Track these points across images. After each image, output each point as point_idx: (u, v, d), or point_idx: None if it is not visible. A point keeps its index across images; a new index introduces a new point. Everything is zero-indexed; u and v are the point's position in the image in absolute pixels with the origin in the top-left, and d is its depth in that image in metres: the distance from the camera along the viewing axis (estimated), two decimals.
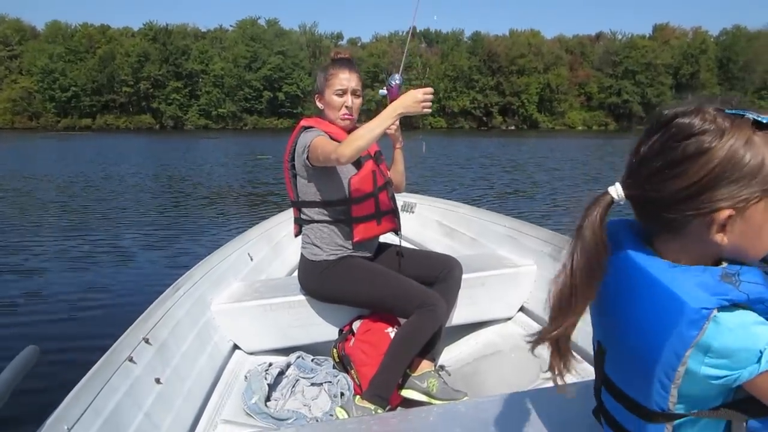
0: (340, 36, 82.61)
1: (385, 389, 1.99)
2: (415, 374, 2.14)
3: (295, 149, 2.18)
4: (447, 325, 2.37)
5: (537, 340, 0.94)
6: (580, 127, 71.21)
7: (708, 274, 0.79)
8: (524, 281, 2.69)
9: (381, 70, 70.47)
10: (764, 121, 0.76)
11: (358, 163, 2.18)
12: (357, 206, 2.18)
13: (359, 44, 79.82)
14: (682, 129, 0.78)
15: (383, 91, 2.26)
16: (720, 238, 0.79)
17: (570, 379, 2.11)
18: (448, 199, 4.17)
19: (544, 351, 2.41)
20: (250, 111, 67.20)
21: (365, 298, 2.20)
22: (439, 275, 2.29)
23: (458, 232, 3.51)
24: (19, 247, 6.81)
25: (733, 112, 0.77)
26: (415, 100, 1.92)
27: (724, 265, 0.82)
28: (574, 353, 2.30)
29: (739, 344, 0.75)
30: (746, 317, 0.76)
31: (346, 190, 2.15)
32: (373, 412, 1.91)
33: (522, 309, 2.73)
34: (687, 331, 0.76)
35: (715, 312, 0.75)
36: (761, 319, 0.76)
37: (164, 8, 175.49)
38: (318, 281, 2.25)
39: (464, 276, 2.39)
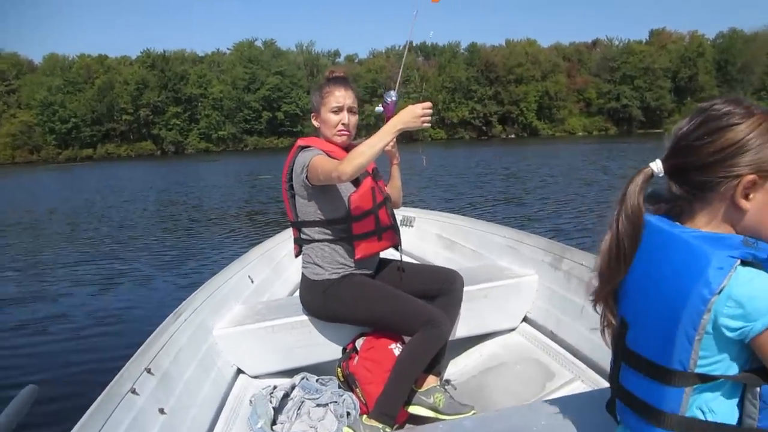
0: (337, 53, 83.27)
1: (392, 407, 1.97)
2: (420, 390, 2.11)
3: (293, 169, 2.15)
4: (451, 338, 2.31)
5: (594, 300, 1.09)
6: (580, 133, 71.37)
7: (731, 237, 0.94)
8: (526, 291, 2.65)
9: (379, 86, 70.98)
10: None
11: (356, 181, 2.15)
12: (357, 224, 2.15)
13: (356, 60, 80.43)
14: (720, 108, 0.96)
15: (380, 108, 2.23)
16: (743, 203, 0.94)
17: (580, 388, 2.01)
18: (447, 210, 4.13)
19: (550, 360, 2.33)
20: (250, 132, 67.60)
21: (369, 317, 2.16)
22: (441, 288, 2.26)
23: (458, 244, 3.50)
24: (17, 279, 6.73)
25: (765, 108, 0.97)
26: (415, 115, 1.91)
27: None
28: (584, 363, 2.19)
29: (756, 295, 0.87)
30: (763, 275, 0.89)
31: (346, 208, 2.12)
32: (381, 431, 1.91)
33: (525, 319, 2.69)
34: (714, 277, 0.88)
35: (738, 262, 0.88)
36: None
37: (162, 35, 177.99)
38: (321, 301, 2.20)
39: (466, 288, 2.35)
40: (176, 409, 1.74)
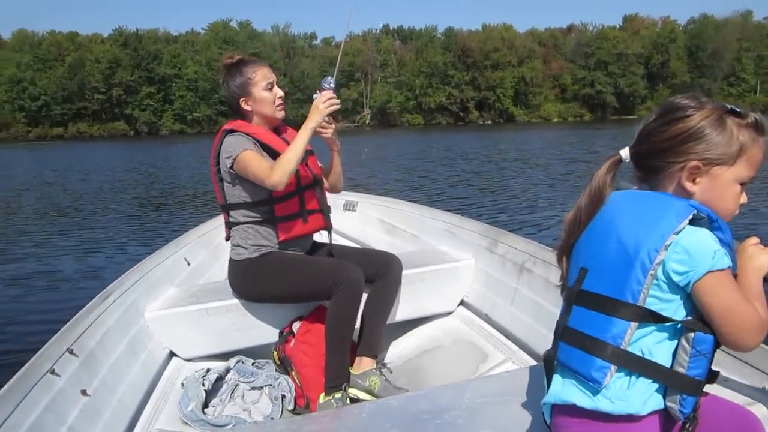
0: (313, 36, 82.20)
1: (338, 377, 2.06)
2: (356, 373, 2.17)
3: (219, 154, 2.18)
4: (389, 322, 2.38)
5: (559, 253, 1.23)
6: (555, 119, 71.92)
7: (690, 200, 1.06)
8: (463, 275, 2.71)
9: (356, 69, 70.39)
10: (738, 110, 1.06)
11: None
12: (279, 205, 2.20)
13: (333, 43, 79.49)
14: (677, 103, 1.09)
15: (317, 94, 2.24)
16: (689, 186, 1.07)
17: (510, 368, 2.16)
18: (393, 194, 4.18)
19: (484, 343, 2.46)
20: (226, 114, 66.20)
21: (286, 290, 2.20)
22: (378, 272, 2.30)
23: (399, 229, 3.53)
24: None
25: (719, 103, 1.08)
26: (318, 108, 2.09)
27: None
28: (516, 345, 2.34)
29: (698, 243, 1.00)
30: (707, 231, 1.02)
31: (268, 190, 2.15)
32: (335, 405, 1.98)
33: (462, 303, 2.75)
34: (674, 219, 1.01)
35: (694, 212, 1.01)
36: (717, 238, 1.02)
37: (134, 13, 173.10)
38: (241, 280, 2.26)
39: (404, 272, 2.39)
40: (101, 390, 1.71)
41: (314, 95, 2.20)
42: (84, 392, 1.63)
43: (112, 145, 40.97)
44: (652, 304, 1.04)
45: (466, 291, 2.73)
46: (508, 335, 2.41)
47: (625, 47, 72.67)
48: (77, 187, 14.09)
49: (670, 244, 1.01)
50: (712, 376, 1.07)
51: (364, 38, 74.75)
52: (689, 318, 1.04)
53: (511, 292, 2.44)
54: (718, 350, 1.04)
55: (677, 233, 1.01)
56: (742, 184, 1.08)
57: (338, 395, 2.03)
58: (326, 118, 2.14)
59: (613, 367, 1.05)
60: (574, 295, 1.15)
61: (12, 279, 5.64)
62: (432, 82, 71.11)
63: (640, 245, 1.03)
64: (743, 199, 1.10)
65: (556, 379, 1.17)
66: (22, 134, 63.24)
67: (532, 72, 72.04)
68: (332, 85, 2.19)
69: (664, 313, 1.03)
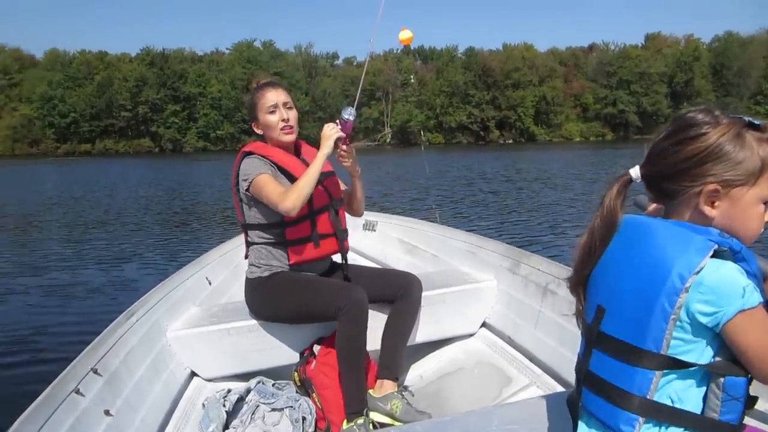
0: (335, 55, 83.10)
1: (356, 402, 2.04)
2: (377, 396, 2.15)
3: (238, 175, 2.21)
4: (410, 343, 2.36)
5: (572, 285, 1.16)
6: (577, 139, 71.42)
7: (708, 228, 0.98)
8: (485, 296, 2.68)
9: (377, 88, 70.91)
10: (756, 123, 0.97)
11: None
12: (290, 229, 2.21)
13: (355, 63, 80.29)
14: (689, 119, 1.00)
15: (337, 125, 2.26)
16: (708, 210, 0.98)
17: (536, 393, 2.12)
18: (410, 216, 4.18)
19: (507, 366, 2.42)
20: (248, 132, 67.09)
21: (294, 311, 2.20)
22: (398, 293, 2.28)
23: (419, 249, 3.51)
24: None
25: (735, 116, 0.99)
26: (327, 135, 2.13)
27: None
28: (540, 368, 2.30)
29: (725, 281, 0.92)
30: (732, 265, 0.94)
31: (280, 216, 2.16)
32: (356, 429, 1.96)
33: (484, 324, 2.72)
34: (693, 257, 0.92)
35: (715, 247, 0.93)
36: (743, 269, 0.94)
37: (161, 33, 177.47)
38: (253, 298, 2.27)
39: (425, 293, 2.37)
40: (123, 410, 1.71)
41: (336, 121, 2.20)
42: (107, 412, 1.64)
43: (138, 162, 41.69)
44: (676, 347, 0.96)
45: (488, 312, 2.69)
46: (532, 358, 2.37)
47: (647, 66, 72.13)
48: (103, 202, 14.35)
49: (690, 285, 0.93)
50: (751, 402, 1.00)
51: (385, 58, 75.35)
52: (718, 359, 0.96)
53: (535, 314, 2.40)
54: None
55: (698, 272, 0.92)
56: (766, 203, 1.00)
57: (360, 421, 2.01)
58: (345, 147, 2.16)
59: (641, 419, 0.99)
60: (594, 335, 1.09)
61: (38, 292, 5.71)
62: (453, 101, 71.23)
63: (659, 288, 0.95)
64: None
65: (582, 426, 1.13)
66: (51, 150, 64.89)
67: (553, 91, 71.81)
68: (351, 118, 2.18)
69: (690, 358, 0.96)
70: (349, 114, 2.17)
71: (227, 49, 76.68)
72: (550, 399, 1.56)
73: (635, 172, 1.08)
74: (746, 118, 0.98)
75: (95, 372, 1.70)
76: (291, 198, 2.04)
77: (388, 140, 70.16)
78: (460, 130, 71.77)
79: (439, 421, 1.54)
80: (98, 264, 7.00)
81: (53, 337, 4.28)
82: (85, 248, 8.14)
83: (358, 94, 2.53)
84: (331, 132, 2.13)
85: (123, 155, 60.49)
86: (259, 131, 2.30)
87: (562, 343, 2.20)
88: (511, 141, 70.68)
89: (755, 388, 1.00)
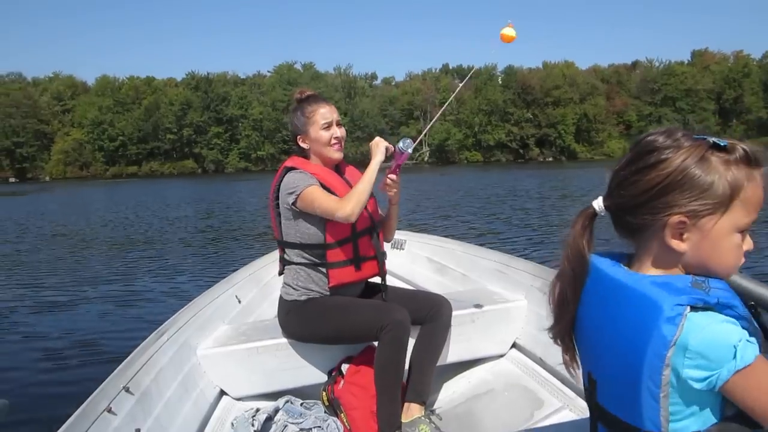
0: (374, 76, 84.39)
1: (391, 425, 2.01)
2: (405, 420, 2.09)
3: (279, 189, 2.17)
4: (439, 364, 2.29)
5: (554, 335, 1.05)
6: (620, 156, 70.05)
7: (679, 279, 0.86)
8: (516, 316, 2.61)
9: (415, 107, 71.38)
10: (722, 144, 0.85)
11: None
12: (332, 251, 2.16)
13: (393, 83, 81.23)
14: (648, 143, 0.89)
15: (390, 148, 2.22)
16: (677, 244, 0.87)
17: (568, 416, 1.99)
18: (442, 235, 4.13)
19: (538, 388, 2.30)
20: (288, 152, 67.85)
21: (332, 334, 2.17)
22: (428, 315, 2.23)
23: (448, 268, 3.46)
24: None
25: (699, 136, 0.87)
26: (376, 142, 2.16)
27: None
28: (573, 391, 2.16)
29: (714, 341, 0.79)
30: (716, 317, 0.81)
31: (322, 234, 2.13)
32: None
33: (514, 345, 2.64)
34: (666, 330, 0.81)
35: (688, 309, 0.81)
36: (730, 318, 0.82)
37: (206, 58, 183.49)
38: (288, 320, 2.23)
39: (454, 313, 2.32)
40: (154, 429, 1.71)
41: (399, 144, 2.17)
42: (138, 431, 1.65)
43: (181, 183, 43.02)
44: (677, 422, 0.85)
45: (518, 333, 2.62)
46: (564, 380, 2.27)
47: (694, 83, 70.52)
48: (148, 222, 14.81)
49: (672, 356, 0.82)
50: None
51: (423, 77, 76.04)
52: (726, 422, 0.86)
53: None
54: None
55: (676, 342, 0.81)
56: (742, 231, 0.88)
57: None
58: (393, 176, 2.16)
59: None
60: (593, 407, 1.01)
61: (71, 310, 5.84)
62: (491, 119, 71.12)
63: (639, 367, 0.85)
64: (747, 245, 0.90)
65: None
66: (101, 173, 67.73)
67: (595, 109, 70.82)
68: (408, 150, 2.13)
69: (694, 428, 0.85)
70: (406, 146, 2.11)
71: (268, 71, 78.97)
72: (582, 423, 1.47)
73: (598, 204, 0.96)
74: (710, 139, 0.86)
75: (127, 390, 1.70)
76: (351, 203, 2.00)
77: (426, 159, 70.34)
78: (499, 148, 71.46)
79: None
80: (134, 281, 7.17)
81: (85, 355, 4.33)
82: (120, 267, 8.35)
83: (426, 132, 2.63)
84: (379, 140, 2.15)
85: (168, 176, 62.57)
86: (305, 145, 2.24)
87: None
88: (551, 159, 69.91)
89: None
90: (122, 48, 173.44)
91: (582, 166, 45.91)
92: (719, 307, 0.82)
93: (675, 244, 0.87)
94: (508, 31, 2.24)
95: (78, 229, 13.66)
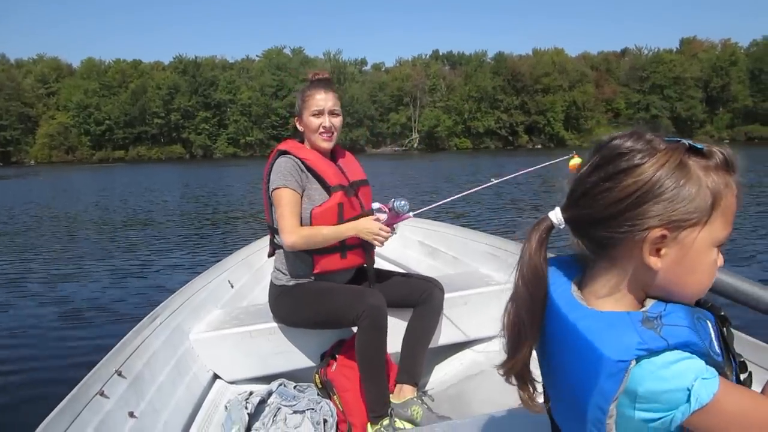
0: (364, 62, 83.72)
1: (378, 406, 2.03)
2: (397, 402, 2.12)
3: (270, 174, 2.18)
4: (431, 346, 2.33)
5: (505, 373, 0.94)
6: None
7: (628, 320, 0.76)
8: (506, 298, 2.62)
9: (405, 93, 71.10)
10: (699, 147, 0.77)
11: (327, 192, 2.17)
12: None
13: (383, 69, 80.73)
14: (616, 147, 0.79)
15: (378, 207, 2.23)
16: (654, 261, 0.78)
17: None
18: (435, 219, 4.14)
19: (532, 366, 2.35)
20: (277, 138, 68.31)
21: (317, 318, 2.19)
22: (420, 298, 2.26)
23: (440, 251, 3.49)
24: None
25: (671, 138, 0.79)
26: (372, 232, 2.11)
27: (648, 305, 0.80)
28: None
29: (665, 386, 0.72)
30: (668, 357, 0.73)
31: (309, 221, 2.14)
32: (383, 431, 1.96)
33: None
34: (607, 385, 0.74)
35: (633, 363, 0.73)
36: (685, 354, 0.73)
37: (194, 41, 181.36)
38: (277, 304, 2.26)
39: (447, 296, 2.35)
40: (147, 413, 1.72)
41: (374, 206, 2.16)
42: (131, 414, 1.66)
43: (169, 168, 42.61)
44: None
45: None
46: None
47: (682, 70, 70.75)
48: (134, 207, 14.68)
49: (616, 408, 0.75)
50: None
51: (413, 63, 75.64)
52: None
53: None
54: None
55: (622, 392, 0.74)
56: (718, 246, 0.80)
57: (386, 422, 2.00)
58: (386, 233, 2.13)
59: None
60: (552, 422, 0.97)
61: (62, 295, 5.81)
62: (481, 106, 71.03)
63: (584, 409, 0.78)
64: (720, 262, 0.82)
65: None
66: (87, 157, 66.85)
67: (584, 96, 70.93)
68: (402, 212, 2.14)
69: None
70: (401, 207, 2.11)
71: (257, 56, 78.20)
72: None
73: (556, 216, 0.86)
74: (686, 142, 0.78)
75: (119, 374, 1.72)
76: (301, 239, 2.07)
77: (415, 146, 70.26)
78: (488, 135, 71.50)
79: (459, 423, 1.52)
80: (126, 266, 7.15)
81: (77, 339, 4.34)
82: (112, 251, 8.31)
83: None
84: (369, 234, 2.11)
85: (155, 161, 61.84)
86: (300, 127, 2.27)
87: None
88: (540, 146, 70.04)
89: None
90: (108, 30, 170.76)
91: (569, 153, 46.05)
92: (671, 348, 0.73)
93: (652, 261, 0.78)
94: (576, 162, 2.27)
95: (66, 213, 13.52)
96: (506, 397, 2.22)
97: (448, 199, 2.69)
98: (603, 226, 0.80)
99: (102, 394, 1.58)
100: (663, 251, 0.77)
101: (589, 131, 71.51)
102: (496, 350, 2.57)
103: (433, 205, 2.50)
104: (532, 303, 0.86)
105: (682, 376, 0.72)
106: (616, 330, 0.75)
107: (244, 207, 13.79)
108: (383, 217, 2.22)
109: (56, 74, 72.60)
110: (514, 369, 0.92)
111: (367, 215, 2.25)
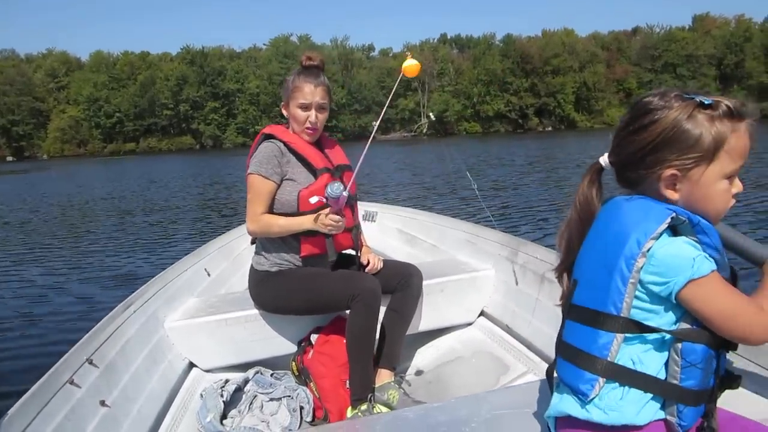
0: (371, 47, 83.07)
1: (362, 390, 2.04)
2: (375, 385, 2.14)
3: (254, 156, 2.19)
4: (408, 332, 2.34)
5: (557, 270, 1.19)
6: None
7: (662, 206, 1.00)
8: (483, 286, 2.66)
9: (414, 78, 70.49)
10: (707, 102, 0.97)
11: (313, 175, 2.17)
12: None
13: (391, 54, 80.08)
14: (643, 105, 1.02)
15: (317, 199, 2.14)
16: (671, 194, 1.00)
17: (532, 380, 2.07)
18: (410, 206, 4.14)
19: (504, 354, 2.38)
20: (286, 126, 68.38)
21: (303, 304, 2.20)
22: (398, 283, 2.26)
23: (418, 239, 3.50)
24: None
25: (689, 96, 0.99)
26: (323, 222, 2.06)
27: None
28: (538, 356, 2.25)
29: (674, 254, 0.95)
30: (682, 239, 0.97)
31: (295, 203, 2.14)
32: (360, 415, 1.97)
33: (482, 313, 2.70)
34: (651, 224, 0.96)
35: (672, 215, 0.96)
36: (698, 244, 0.97)
37: (201, 31, 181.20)
38: (259, 290, 2.26)
39: (424, 283, 2.36)
40: (120, 401, 1.71)
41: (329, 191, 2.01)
42: (103, 403, 1.65)
43: (180, 158, 42.84)
44: (636, 315, 0.99)
45: (486, 302, 2.68)
46: (529, 346, 2.35)
47: (695, 48, 69.54)
48: (146, 198, 14.78)
49: (648, 250, 0.96)
50: (731, 383, 1.04)
51: (421, 48, 74.91)
52: (679, 325, 0.99)
53: (532, 302, 2.38)
54: (742, 359, 0.99)
55: (655, 238, 0.96)
56: (730, 177, 1.00)
57: (364, 407, 2.01)
58: (333, 217, 2.04)
59: (602, 379, 1.02)
60: (567, 308, 1.13)
61: (35, 282, 5.78)
62: (490, 89, 70.34)
63: (618, 253, 0.99)
64: (736, 188, 1.02)
65: (555, 393, 1.16)
66: (98, 150, 67.31)
67: (595, 77, 69.98)
68: (344, 194, 2.00)
69: (649, 323, 0.99)
70: (334, 191, 1.97)
71: (264, 44, 77.90)
72: (543, 384, 1.53)
73: (604, 160, 1.10)
74: (698, 98, 0.97)
75: (90, 363, 1.70)
76: (258, 229, 2.16)
77: (424, 131, 69.89)
78: (498, 118, 70.88)
79: (431, 406, 1.52)
80: (107, 255, 7.11)
81: (50, 327, 4.30)
82: (98, 240, 8.37)
83: (357, 169, 2.23)
84: (322, 225, 2.05)
85: (165, 153, 62.09)
86: (285, 113, 2.27)
87: None
88: (550, 128, 69.38)
89: (741, 367, 0.99)
90: (116, 23, 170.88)
91: (582, 135, 45.56)
92: (697, 230, 0.97)
93: (669, 194, 1.01)
94: (410, 65, 2.27)
95: (62, 205, 13.66)
96: (482, 381, 2.28)
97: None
98: (630, 168, 1.04)
99: (72, 382, 1.57)
100: (678, 186, 1.00)
101: (600, 112, 70.71)
102: (472, 336, 2.65)
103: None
104: (580, 224, 1.11)
105: (689, 251, 0.95)
106: (652, 210, 0.99)
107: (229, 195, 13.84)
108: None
109: (66, 68, 72.90)
110: (562, 270, 1.17)
111: (353, 200, 2.28)
